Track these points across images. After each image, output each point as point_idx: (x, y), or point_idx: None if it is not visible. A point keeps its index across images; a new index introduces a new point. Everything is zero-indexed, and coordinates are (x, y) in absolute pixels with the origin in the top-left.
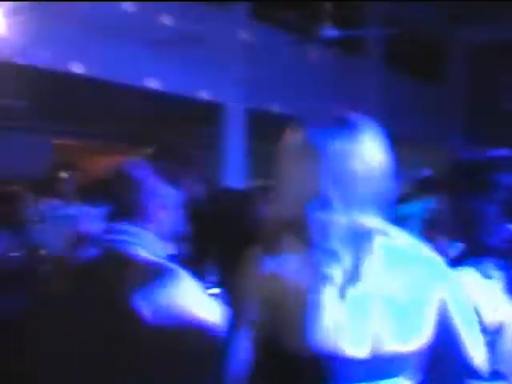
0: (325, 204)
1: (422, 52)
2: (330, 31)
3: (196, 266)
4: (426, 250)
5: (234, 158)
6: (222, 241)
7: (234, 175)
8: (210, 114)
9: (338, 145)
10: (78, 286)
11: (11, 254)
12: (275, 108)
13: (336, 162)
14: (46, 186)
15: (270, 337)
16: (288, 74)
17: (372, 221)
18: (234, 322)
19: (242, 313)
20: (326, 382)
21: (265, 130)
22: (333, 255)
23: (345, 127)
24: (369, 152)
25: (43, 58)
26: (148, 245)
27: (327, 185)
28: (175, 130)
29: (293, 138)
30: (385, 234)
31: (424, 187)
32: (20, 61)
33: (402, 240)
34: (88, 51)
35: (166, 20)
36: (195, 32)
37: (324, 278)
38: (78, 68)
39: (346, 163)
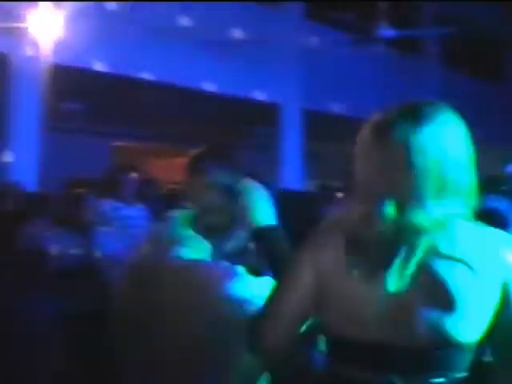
0: (392, 199)
1: (481, 51)
2: (386, 31)
3: (256, 267)
4: (498, 239)
5: (291, 158)
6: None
7: (292, 175)
8: (268, 114)
9: (406, 137)
10: (137, 288)
11: (72, 252)
12: (332, 108)
13: (404, 155)
14: (107, 188)
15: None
16: (344, 74)
17: (441, 213)
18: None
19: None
20: (371, 369)
21: (321, 130)
22: (385, 251)
23: (416, 118)
24: (444, 143)
25: (102, 62)
26: (207, 248)
27: (396, 179)
28: (233, 131)
29: (363, 133)
30: (452, 224)
31: (487, 186)
32: (80, 64)
33: (471, 230)
34: (146, 54)
35: (222, 22)
36: (252, 33)
37: (374, 272)
38: (136, 71)
39: (417, 156)
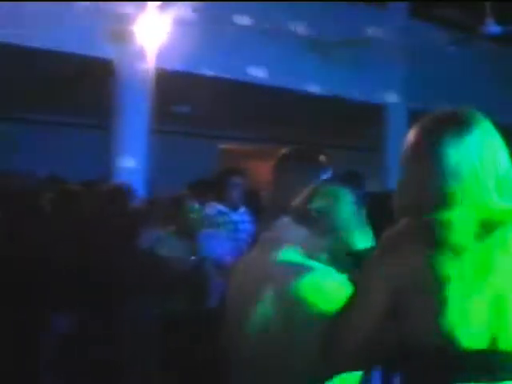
0: (446, 200)
1: None
2: (493, 28)
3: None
4: None
5: (396, 159)
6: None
7: (397, 176)
8: (373, 115)
9: (447, 141)
10: (238, 292)
11: (180, 255)
12: (437, 107)
13: (450, 158)
14: (214, 191)
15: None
16: (450, 73)
17: (503, 210)
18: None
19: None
20: (444, 374)
21: None
22: (458, 251)
23: (457, 124)
24: (481, 146)
25: (208, 65)
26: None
27: (445, 181)
28: (337, 132)
29: (410, 136)
30: None
31: None
32: (186, 68)
33: None
34: (251, 56)
35: (328, 22)
36: (356, 33)
37: (448, 274)
38: (240, 74)
39: (460, 158)
